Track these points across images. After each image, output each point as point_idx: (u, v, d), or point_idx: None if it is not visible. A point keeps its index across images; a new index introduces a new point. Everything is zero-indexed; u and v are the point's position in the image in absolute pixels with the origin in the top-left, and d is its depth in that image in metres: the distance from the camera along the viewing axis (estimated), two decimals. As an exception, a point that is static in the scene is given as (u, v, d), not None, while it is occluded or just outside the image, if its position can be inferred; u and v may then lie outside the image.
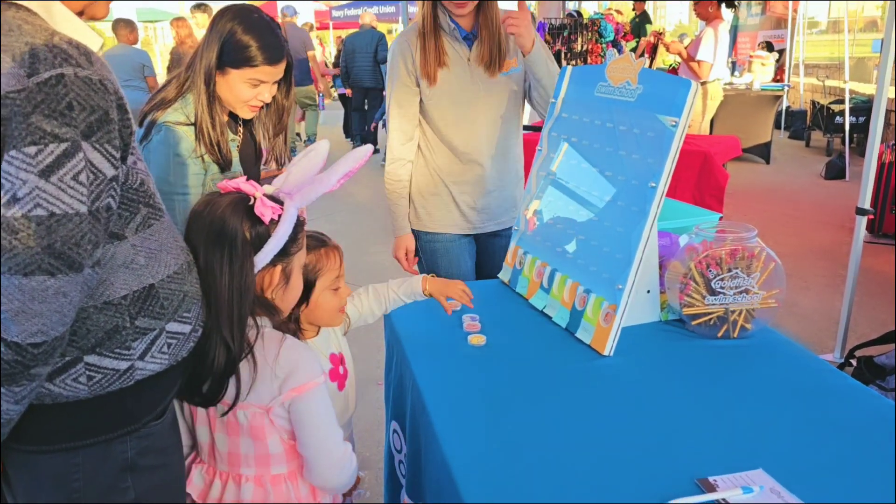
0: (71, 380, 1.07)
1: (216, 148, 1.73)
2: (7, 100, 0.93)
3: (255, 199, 1.27)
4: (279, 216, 1.30)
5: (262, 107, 1.80)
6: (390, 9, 15.67)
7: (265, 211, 1.27)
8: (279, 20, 9.76)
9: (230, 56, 1.68)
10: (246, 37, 1.67)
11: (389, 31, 15.85)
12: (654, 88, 1.57)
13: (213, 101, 1.72)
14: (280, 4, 11.87)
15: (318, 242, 1.49)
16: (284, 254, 1.32)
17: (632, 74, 1.63)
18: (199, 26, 8.64)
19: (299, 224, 1.36)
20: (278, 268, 1.33)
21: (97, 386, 1.09)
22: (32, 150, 0.93)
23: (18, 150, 0.93)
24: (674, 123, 1.48)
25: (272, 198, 1.33)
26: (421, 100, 2.18)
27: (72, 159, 0.96)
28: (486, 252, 2.36)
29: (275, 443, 1.34)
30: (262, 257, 1.28)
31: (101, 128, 0.99)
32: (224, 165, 1.76)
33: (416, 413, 1.49)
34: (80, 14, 1.11)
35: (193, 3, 8.86)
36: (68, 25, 1.06)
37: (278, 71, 1.73)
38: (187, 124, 1.71)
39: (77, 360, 1.07)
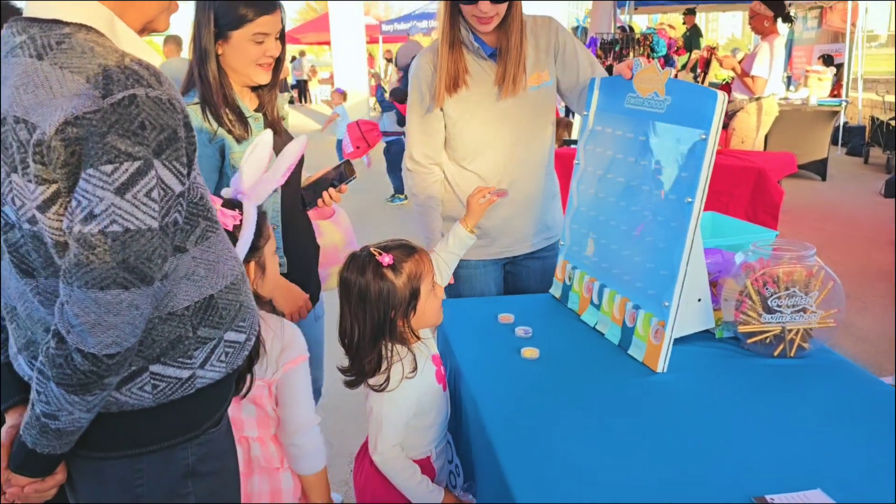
0: (137, 388, 1.11)
1: (229, 112, 1.75)
2: (84, 120, 0.97)
3: None
4: (241, 220, 1.37)
5: (273, 65, 1.80)
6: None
7: (226, 221, 1.37)
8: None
9: (226, 19, 1.71)
10: None
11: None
12: (682, 99, 1.57)
13: (221, 72, 1.76)
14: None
15: (409, 250, 1.54)
16: (254, 249, 1.47)
17: (659, 85, 1.63)
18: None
19: (261, 216, 1.50)
20: (252, 263, 1.47)
21: (161, 394, 1.13)
22: (108, 168, 0.98)
23: (95, 169, 0.98)
24: (703, 137, 1.48)
25: (229, 202, 1.45)
26: (445, 124, 2.05)
27: (145, 177, 1.00)
28: (520, 276, 2.23)
29: (271, 408, 1.57)
30: None
31: (171, 145, 1.04)
32: (240, 135, 1.77)
33: (469, 425, 1.51)
34: (141, 30, 1.16)
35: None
36: (131, 44, 1.10)
37: (276, 20, 1.75)
38: (194, 104, 1.75)
39: (143, 369, 1.11)
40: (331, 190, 1.89)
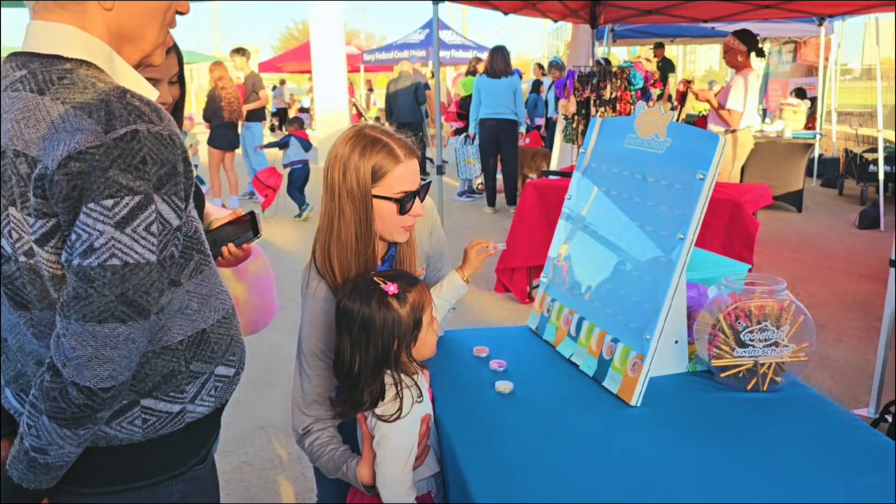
0: (127, 423, 1.11)
1: None
2: (87, 155, 0.98)
3: None
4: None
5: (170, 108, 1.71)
6: (421, 52, 15.98)
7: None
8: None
9: None
10: None
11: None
12: (683, 142, 1.59)
13: None
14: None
15: (411, 280, 1.53)
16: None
17: (661, 127, 1.66)
18: (237, 69, 8.93)
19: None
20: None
21: (151, 429, 1.13)
22: (109, 202, 0.98)
23: (96, 203, 0.98)
24: (701, 177, 1.50)
25: None
26: None
27: (145, 211, 1.01)
28: None
29: None
30: None
31: (170, 180, 1.04)
32: None
33: (444, 460, 1.50)
34: (137, 65, 1.17)
35: (233, 47, 9.21)
36: (129, 79, 1.12)
37: (169, 64, 1.66)
38: None
39: (134, 403, 1.11)
40: (231, 246, 1.79)
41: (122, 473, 1.15)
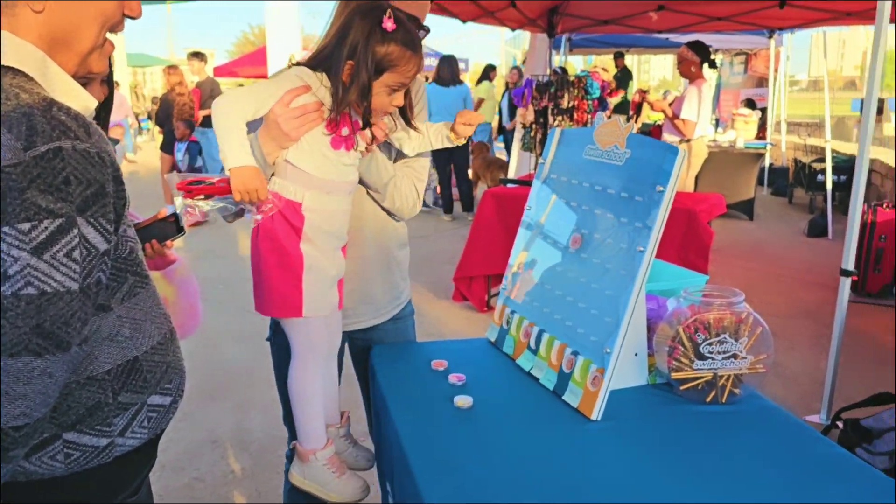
0: (48, 458, 1.03)
1: None
2: (3, 174, 0.89)
3: None
4: None
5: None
6: (426, 61, 15.91)
7: None
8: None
9: None
10: None
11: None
12: (643, 154, 1.59)
13: None
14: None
15: (410, 43, 1.53)
16: None
17: (620, 139, 1.65)
18: (194, 73, 8.79)
19: None
20: None
21: (75, 464, 1.05)
22: (26, 226, 0.90)
23: (12, 227, 0.90)
24: (661, 189, 1.49)
25: None
26: None
27: (66, 235, 0.93)
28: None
29: None
30: None
31: (97, 202, 0.97)
32: None
33: (402, 476, 1.46)
34: (77, 74, 1.09)
35: (190, 50, 9.07)
36: (65, 88, 1.04)
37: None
38: None
39: (55, 437, 1.03)
40: (154, 243, 1.77)
41: None
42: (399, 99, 1.59)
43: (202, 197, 1.62)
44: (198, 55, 8.87)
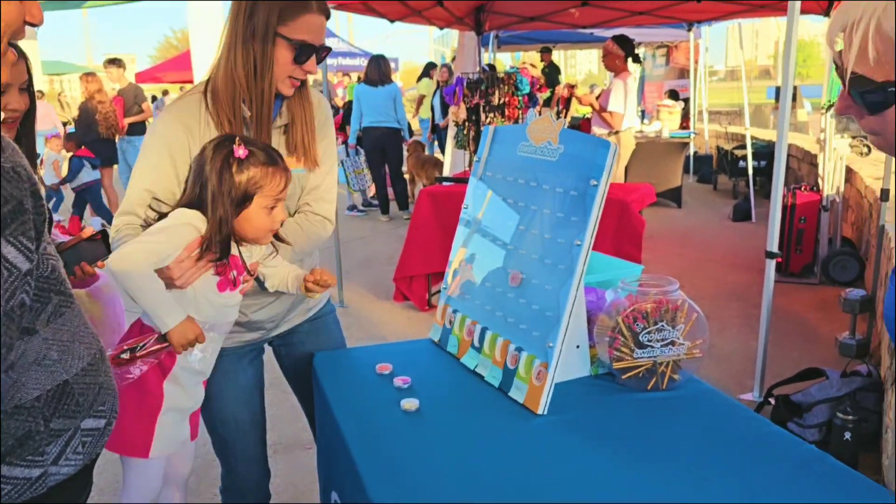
0: None
1: None
2: None
3: None
4: None
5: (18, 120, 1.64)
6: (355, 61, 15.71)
7: None
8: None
9: None
10: None
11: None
12: (575, 148, 1.61)
13: None
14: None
15: (269, 160, 1.54)
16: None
17: (553, 134, 1.67)
18: (112, 80, 8.48)
19: None
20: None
21: (6, 498, 0.99)
22: None
23: None
24: (595, 183, 1.52)
25: None
26: None
27: None
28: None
29: None
30: None
31: (16, 219, 0.91)
32: None
33: (350, 483, 1.45)
34: None
35: (106, 57, 8.74)
36: None
37: (18, 71, 1.58)
38: None
39: None
40: (85, 265, 1.77)
41: None
42: (281, 213, 1.61)
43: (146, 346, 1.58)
44: (115, 62, 8.56)
